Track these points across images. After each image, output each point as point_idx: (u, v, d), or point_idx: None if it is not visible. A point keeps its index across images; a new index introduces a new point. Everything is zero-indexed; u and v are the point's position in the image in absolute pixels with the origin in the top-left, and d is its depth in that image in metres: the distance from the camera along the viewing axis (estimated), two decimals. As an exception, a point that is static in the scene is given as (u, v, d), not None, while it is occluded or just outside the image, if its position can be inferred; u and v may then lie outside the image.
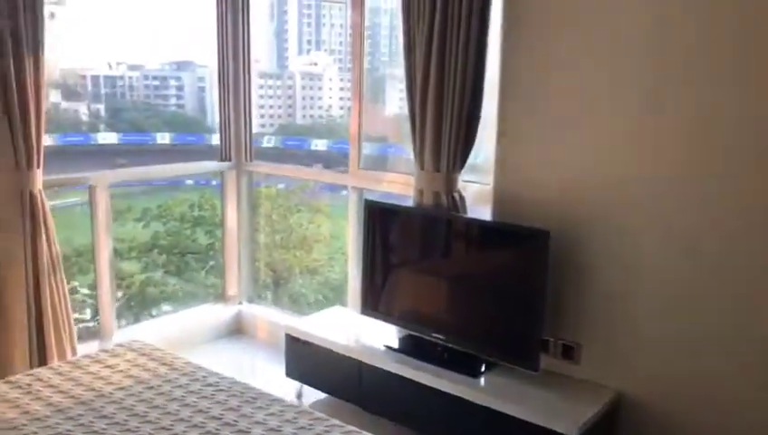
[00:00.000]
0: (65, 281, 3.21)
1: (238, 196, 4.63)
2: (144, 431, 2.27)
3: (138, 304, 7.07)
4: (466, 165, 3.19)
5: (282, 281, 7.46)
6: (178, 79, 26.27)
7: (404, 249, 3.35)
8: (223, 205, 4.66)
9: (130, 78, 25.33)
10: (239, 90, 4.12)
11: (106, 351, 3.27)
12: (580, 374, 2.91)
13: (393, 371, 3.03)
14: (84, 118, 24.13)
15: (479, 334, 2.98)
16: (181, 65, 26.10)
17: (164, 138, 23.96)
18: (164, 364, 3.14)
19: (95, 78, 24.52)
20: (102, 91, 24.68)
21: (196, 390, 2.89)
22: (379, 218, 3.45)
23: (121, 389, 2.88)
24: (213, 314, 4.66)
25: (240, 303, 4.78)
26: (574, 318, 2.88)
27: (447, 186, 3.15)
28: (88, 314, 7.01)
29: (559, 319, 2.90)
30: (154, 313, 6.84)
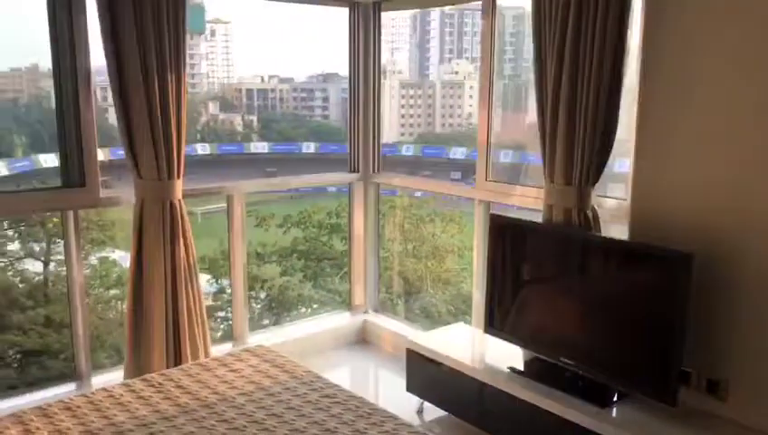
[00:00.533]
0: (200, 286, 3.36)
1: (365, 206, 4.63)
2: (259, 440, 2.29)
3: (278, 306, 7.36)
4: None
5: (413, 291, 7.42)
6: (324, 90, 27.36)
7: (532, 268, 3.18)
8: (350, 215, 4.68)
9: (281, 90, 26.80)
10: (368, 102, 4.15)
11: (233, 355, 3.39)
12: (726, 413, 2.60)
13: (517, 394, 2.88)
14: (239, 128, 25.82)
15: (612, 362, 2.76)
16: (327, 77, 27.15)
17: (309, 147, 25.04)
18: (285, 371, 3.19)
19: (249, 91, 26.26)
20: (255, 103, 26.28)
21: (314, 400, 2.91)
22: (504, 234, 3.34)
23: (243, 394, 2.96)
24: (340, 322, 4.72)
25: (366, 312, 4.77)
26: (721, 350, 2.59)
27: (579, 201, 2.98)
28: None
29: (703, 350, 2.61)
30: (291, 315, 7.08)
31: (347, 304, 4.85)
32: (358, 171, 4.61)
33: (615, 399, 2.81)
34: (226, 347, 3.84)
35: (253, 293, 7.68)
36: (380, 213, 5.40)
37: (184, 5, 3.03)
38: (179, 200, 3.34)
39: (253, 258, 7.70)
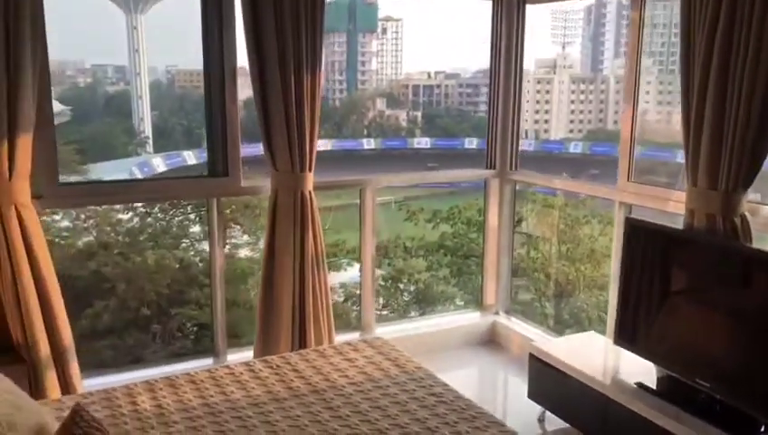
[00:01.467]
0: (327, 274, 3.48)
1: (500, 204, 4.55)
2: (361, 431, 2.34)
3: (423, 300, 7.42)
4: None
5: (565, 295, 7.10)
6: (487, 86, 26.47)
7: (669, 278, 2.91)
8: (485, 212, 4.62)
9: (446, 86, 27.01)
10: (508, 97, 4.25)
11: (349, 344, 3.47)
12: None
13: (644, 414, 2.67)
14: (403, 124, 26.44)
15: (759, 389, 2.43)
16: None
17: (471, 142, 24.91)
18: (397, 365, 3.21)
19: (416, 87, 26.77)
20: (421, 99, 26.77)
21: (420, 397, 2.90)
22: (641, 240, 3.12)
23: (353, 383, 3.02)
24: (469, 321, 4.66)
25: (497, 313, 4.65)
26: None
27: (726, 207, 2.70)
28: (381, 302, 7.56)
29: None
30: (436, 310, 7.10)
31: (479, 303, 4.75)
32: (494, 168, 4.53)
33: (762, 431, 2.48)
34: (353, 336, 3.92)
35: (401, 285, 7.78)
36: (518, 212, 5.25)
37: (322, 7, 3.16)
38: (310, 192, 3.47)
39: (401, 251, 7.81)
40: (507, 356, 4.28)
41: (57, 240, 6.24)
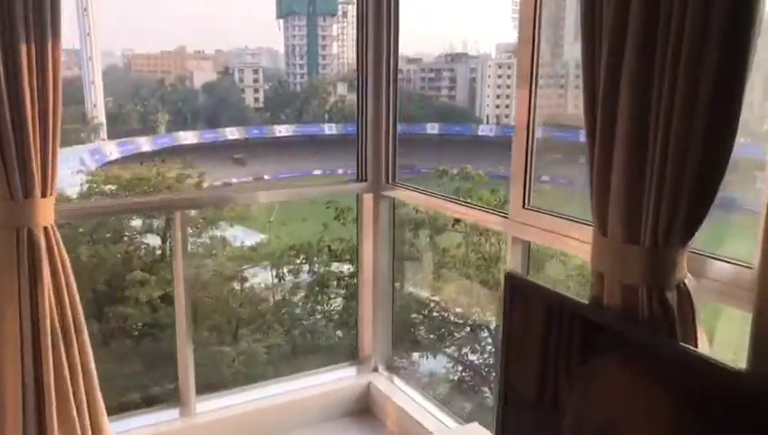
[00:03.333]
0: (88, 344, 2.47)
1: (375, 228, 3.14)
2: None
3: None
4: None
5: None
6: (452, 71, 27.26)
7: (568, 371, 1.79)
8: (359, 235, 3.28)
9: (408, 71, 26.94)
10: (379, 93, 2.95)
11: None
12: None
13: None
14: (366, 109, 25.11)
15: None
16: (455, 57, 27.06)
17: (433, 128, 25.03)
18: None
19: None
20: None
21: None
22: (527, 308, 1.87)
23: None
24: (339, 383, 3.22)
25: (375, 369, 3.25)
26: None
27: (653, 273, 1.46)
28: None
29: None
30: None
31: (353, 355, 3.39)
32: (365, 180, 3.09)
33: None
34: (157, 418, 2.84)
35: (323, 297, 7.26)
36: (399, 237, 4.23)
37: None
38: (52, 227, 2.23)
39: (324, 255, 7.13)
40: (385, 429, 3.03)
41: None
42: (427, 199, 3.05)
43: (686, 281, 1.52)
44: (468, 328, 6.21)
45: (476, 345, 6.16)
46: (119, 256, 6.21)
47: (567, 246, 2.05)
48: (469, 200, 2.96)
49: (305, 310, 6.67)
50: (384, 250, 3.27)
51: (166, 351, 5.05)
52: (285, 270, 6.79)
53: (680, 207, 1.43)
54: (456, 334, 6.25)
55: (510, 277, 1.95)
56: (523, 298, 1.90)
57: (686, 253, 1.52)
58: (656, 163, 1.45)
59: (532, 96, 2.21)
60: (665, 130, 1.43)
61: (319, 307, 6.69)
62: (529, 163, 2.31)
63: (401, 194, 3.11)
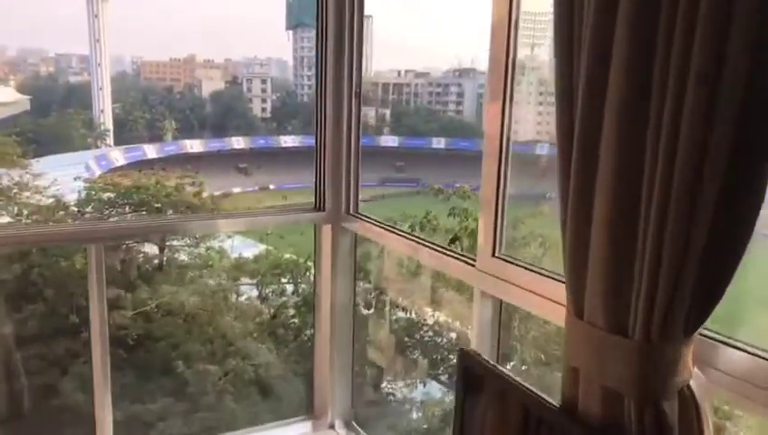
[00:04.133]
0: None
1: (333, 263, 2.68)
2: None
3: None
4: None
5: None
6: (459, 86, 27.38)
7: None
8: (315, 272, 2.87)
9: (416, 85, 27.09)
10: (340, 109, 2.48)
11: None
12: None
13: None
14: (371, 121, 26.46)
15: None
16: (463, 72, 27.15)
17: (439, 142, 25.05)
18: None
19: (385, 85, 26.79)
20: (390, 97, 26.79)
21: None
22: (479, 393, 1.45)
23: None
24: None
25: (332, 427, 2.79)
26: None
27: (645, 379, 1.01)
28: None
29: None
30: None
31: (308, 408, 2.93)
32: (323, 209, 2.69)
33: None
34: None
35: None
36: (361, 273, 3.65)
37: None
38: None
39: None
40: None
41: None
42: (387, 237, 2.49)
43: (690, 383, 1.06)
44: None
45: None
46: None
47: (546, 311, 1.56)
48: (436, 244, 2.16)
49: (288, 332, 6.34)
50: (344, 289, 2.69)
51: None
52: (269, 291, 6.50)
53: (684, 289, 0.97)
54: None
55: (463, 356, 1.49)
56: (478, 385, 1.46)
57: (692, 345, 1.05)
58: (651, 227, 0.98)
59: (506, 112, 1.75)
60: (664, 183, 0.95)
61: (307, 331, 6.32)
62: (500, 196, 1.74)
63: (362, 227, 2.56)
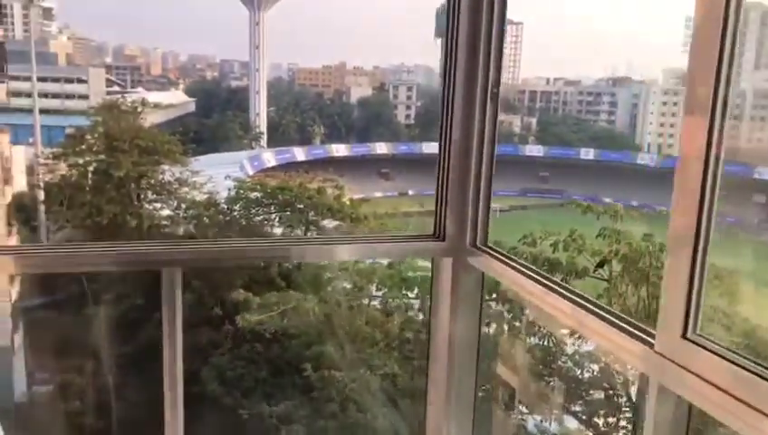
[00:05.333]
0: None
1: (453, 304, 2.10)
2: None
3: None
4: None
5: None
6: (612, 95, 26.16)
7: None
8: (432, 306, 2.35)
9: (565, 93, 26.20)
10: (470, 123, 1.86)
11: None
12: None
13: None
14: (516, 130, 25.87)
15: None
16: (617, 81, 25.87)
17: (588, 153, 24.00)
18: None
19: (532, 93, 26.20)
20: (537, 105, 26.18)
21: None
22: None
23: None
24: None
25: None
26: None
27: None
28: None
29: None
30: None
31: None
32: (443, 238, 2.14)
33: None
34: None
35: None
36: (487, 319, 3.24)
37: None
38: None
39: None
40: None
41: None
42: (524, 283, 1.78)
43: None
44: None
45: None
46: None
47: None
48: (602, 303, 1.49)
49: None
50: (465, 334, 2.10)
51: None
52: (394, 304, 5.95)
53: None
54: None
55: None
56: None
57: None
58: None
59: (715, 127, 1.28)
60: None
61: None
62: (700, 238, 1.18)
63: (491, 265, 1.93)
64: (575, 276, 4.69)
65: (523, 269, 1.77)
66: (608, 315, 1.36)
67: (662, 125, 29.64)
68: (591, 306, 1.44)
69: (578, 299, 1.49)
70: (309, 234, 7.55)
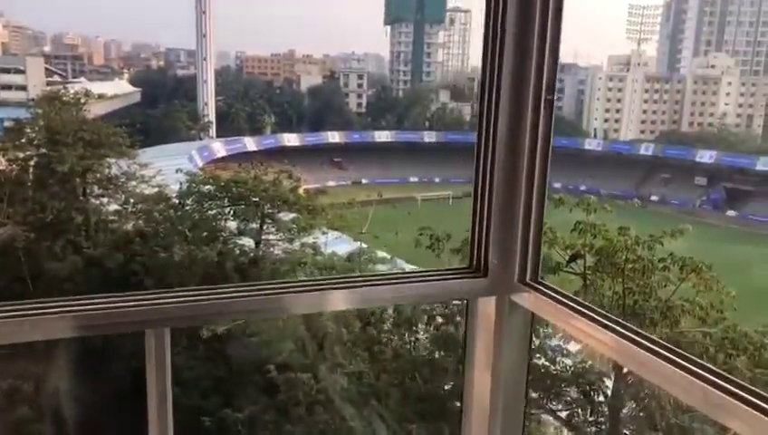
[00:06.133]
0: None
1: (496, 351, 1.45)
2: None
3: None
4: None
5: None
6: (560, 81, 26.54)
7: None
8: (467, 352, 1.48)
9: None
10: (519, 123, 1.27)
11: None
12: None
13: None
14: (467, 117, 26.40)
15: None
16: (563, 68, 26.67)
17: (537, 140, 24.26)
18: None
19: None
20: (476, 92, 26.26)
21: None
22: None
23: None
24: None
25: None
26: None
27: None
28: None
29: None
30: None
31: None
32: (485, 274, 1.49)
33: None
34: None
35: None
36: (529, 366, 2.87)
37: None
38: None
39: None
40: None
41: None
42: (594, 332, 1.30)
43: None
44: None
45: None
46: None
47: None
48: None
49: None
50: (510, 386, 1.60)
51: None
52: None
53: None
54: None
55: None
56: None
57: None
58: None
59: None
60: None
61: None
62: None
63: (544, 305, 1.51)
64: (549, 271, 4.53)
65: (593, 315, 1.34)
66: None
67: (608, 111, 30.44)
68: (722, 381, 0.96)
69: (692, 366, 0.98)
70: (265, 227, 7.45)
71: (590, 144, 30.47)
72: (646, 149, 29.95)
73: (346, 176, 33.11)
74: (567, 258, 4.35)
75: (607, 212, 4.98)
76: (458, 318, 4.98)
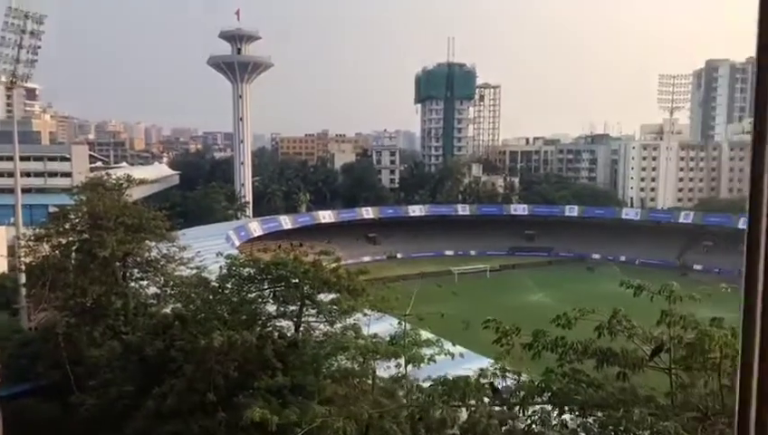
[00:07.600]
0: None
1: None
2: None
3: None
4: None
5: None
6: (592, 152, 26.95)
7: None
8: None
9: (545, 152, 27.03)
10: None
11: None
12: None
13: None
14: (500, 190, 26.49)
15: None
16: (596, 139, 26.71)
17: (572, 210, 24.49)
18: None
19: (513, 153, 27.07)
20: (518, 165, 26.93)
21: None
22: None
23: None
24: None
25: None
26: None
27: None
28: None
29: None
30: None
31: None
32: None
33: None
34: None
35: None
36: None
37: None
38: None
39: None
40: None
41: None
42: None
43: None
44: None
45: None
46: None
47: None
48: None
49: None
50: None
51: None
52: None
53: None
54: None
55: None
56: None
57: None
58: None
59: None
60: None
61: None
62: None
63: None
64: (630, 367, 3.80)
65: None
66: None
67: (643, 180, 30.20)
68: None
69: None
70: (305, 309, 7.26)
71: (628, 214, 29.08)
72: (685, 217, 28.88)
73: (381, 250, 33.06)
74: (650, 353, 3.74)
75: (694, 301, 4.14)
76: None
